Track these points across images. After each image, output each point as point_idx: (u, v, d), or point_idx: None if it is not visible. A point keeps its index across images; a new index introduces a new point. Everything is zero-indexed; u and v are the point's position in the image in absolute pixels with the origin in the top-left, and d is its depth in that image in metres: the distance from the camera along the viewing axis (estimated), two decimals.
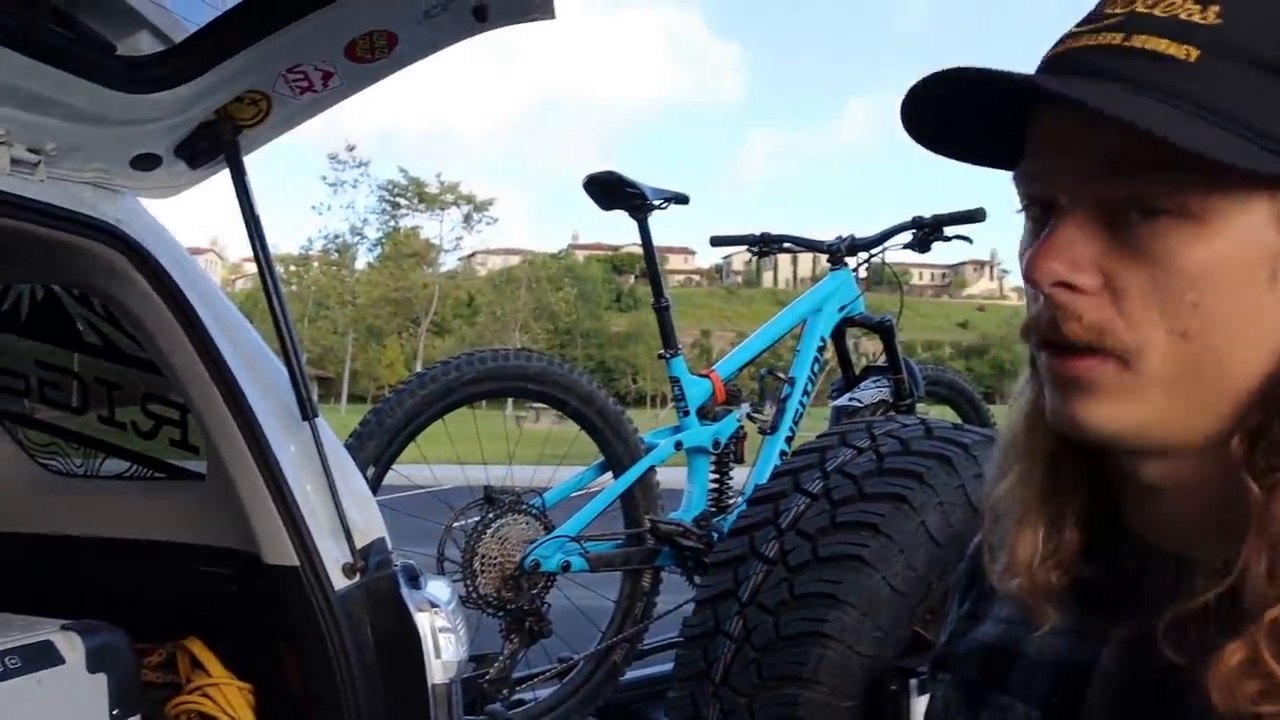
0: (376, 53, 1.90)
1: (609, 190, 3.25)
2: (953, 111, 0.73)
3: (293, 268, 47.65)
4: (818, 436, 2.64)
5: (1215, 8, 0.67)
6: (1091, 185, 0.69)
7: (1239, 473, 0.67)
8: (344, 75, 1.92)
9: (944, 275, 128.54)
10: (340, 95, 1.99)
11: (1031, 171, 0.74)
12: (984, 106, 0.72)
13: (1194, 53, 0.66)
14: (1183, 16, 0.67)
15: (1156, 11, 0.68)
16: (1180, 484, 0.73)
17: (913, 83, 0.72)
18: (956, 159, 0.80)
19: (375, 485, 2.79)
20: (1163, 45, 0.67)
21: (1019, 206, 0.76)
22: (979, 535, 0.98)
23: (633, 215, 3.29)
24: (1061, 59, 0.71)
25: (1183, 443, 0.71)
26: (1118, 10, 0.70)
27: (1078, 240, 0.69)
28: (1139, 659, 0.74)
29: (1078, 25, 0.72)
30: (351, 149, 44.79)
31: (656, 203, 3.28)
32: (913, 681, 2.04)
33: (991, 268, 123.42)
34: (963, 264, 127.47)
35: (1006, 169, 0.78)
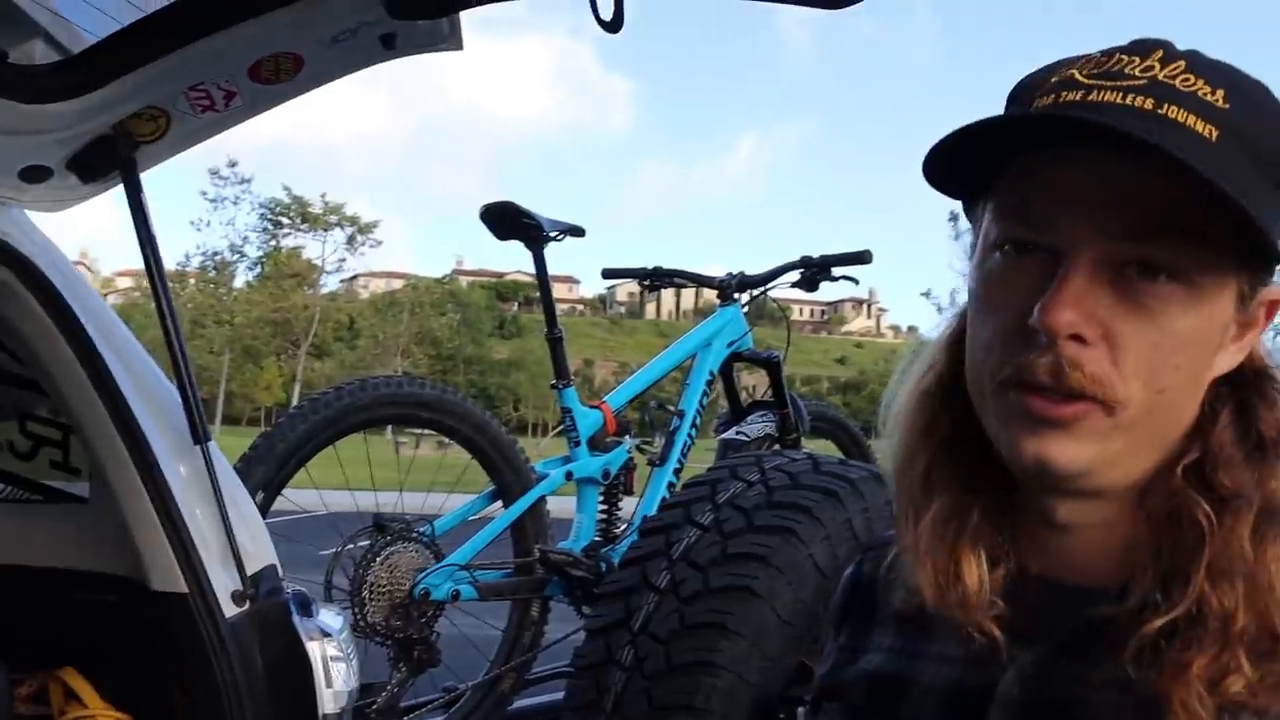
0: (282, 75, 1.89)
1: (505, 220, 3.26)
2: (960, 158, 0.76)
3: (169, 284, 46.05)
4: (709, 469, 2.69)
5: (1222, 91, 0.72)
6: (1111, 243, 0.72)
7: (1185, 499, 0.74)
8: (247, 96, 1.90)
9: (823, 312, 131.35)
10: (242, 116, 1.97)
11: (1037, 217, 0.74)
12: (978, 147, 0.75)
13: (1215, 133, 0.71)
14: (1200, 95, 0.71)
15: (1178, 84, 0.72)
16: (1090, 523, 0.79)
17: (958, 126, 0.74)
18: (956, 197, 0.82)
19: (264, 511, 2.73)
20: (1192, 120, 0.70)
21: (990, 241, 0.78)
22: (850, 568, 1.02)
23: (528, 246, 3.30)
24: (1085, 109, 0.72)
25: (1118, 485, 0.77)
26: (1139, 74, 0.73)
27: (1089, 293, 0.72)
28: (1041, 683, 0.78)
29: (1089, 75, 0.74)
30: (234, 165, 43.12)
31: (552, 234, 3.30)
32: (800, 710, 2.08)
33: (869, 306, 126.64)
34: (842, 301, 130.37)
35: (955, 197, 0.82)
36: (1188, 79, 0.72)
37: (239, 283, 48.14)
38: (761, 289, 3.75)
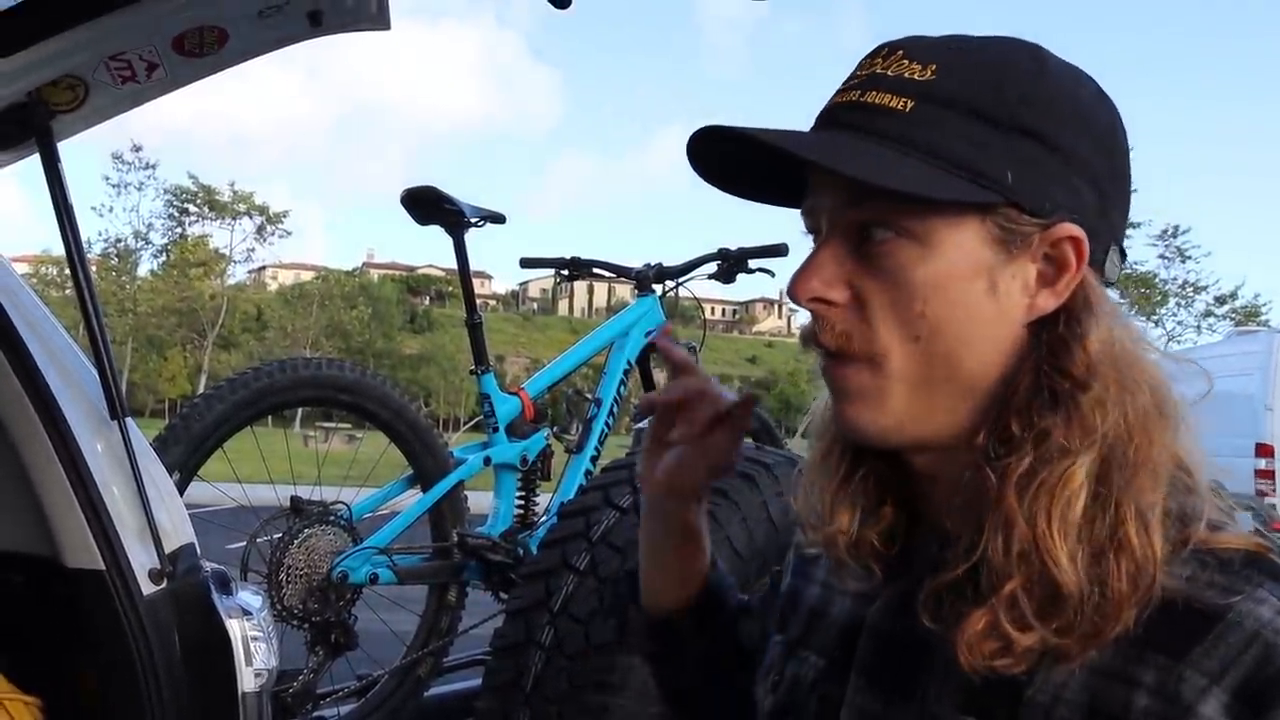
0: (206, 48, 1.87)
1: (426, 205, 3.24)
2: (745, 157, 0.85)
3: (66, 270, 44.45)
4: (628, 453, 2.71)
5: (932, 65, 0.81)
6: (838, 213, 0.84)
7: (981, 462, 0.80)
8: (170, 68, 1.87)
9: (735, 311, 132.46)
10: (164, 88, 1.94)
11: (806, 206, 0.88)
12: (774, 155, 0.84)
13: (909, 104, 0.80)
14: (905, 75, 0.81)
15: (889, 71, 0.82)
16: (943, 472, 0.86)
17: (694, 130, 0.84)
18: (748, 199, 0.92)
19: (180, 492, 2.68)
20: (886, 99, 0.81)
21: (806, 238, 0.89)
22: None
23: (449, 232, 3.28)
24: (824, 114, 0.86)
25: (933, 439, 0.84)
26: (862, 72, 0.84)
27: (830, 261, 0.83)
28: (901, 615, 0.87)
29: (842, 84, 0.86)
30: (138, 149, 41.57)
31: (474, 220, 3.29)
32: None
33: (780, 306, 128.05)
34: (753, 301, 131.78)
35: (794, 206, 0.91)
36: (901, 64, 0.82)
37: (143, 271, 46.72)
38: (679, 280, 3.78)
